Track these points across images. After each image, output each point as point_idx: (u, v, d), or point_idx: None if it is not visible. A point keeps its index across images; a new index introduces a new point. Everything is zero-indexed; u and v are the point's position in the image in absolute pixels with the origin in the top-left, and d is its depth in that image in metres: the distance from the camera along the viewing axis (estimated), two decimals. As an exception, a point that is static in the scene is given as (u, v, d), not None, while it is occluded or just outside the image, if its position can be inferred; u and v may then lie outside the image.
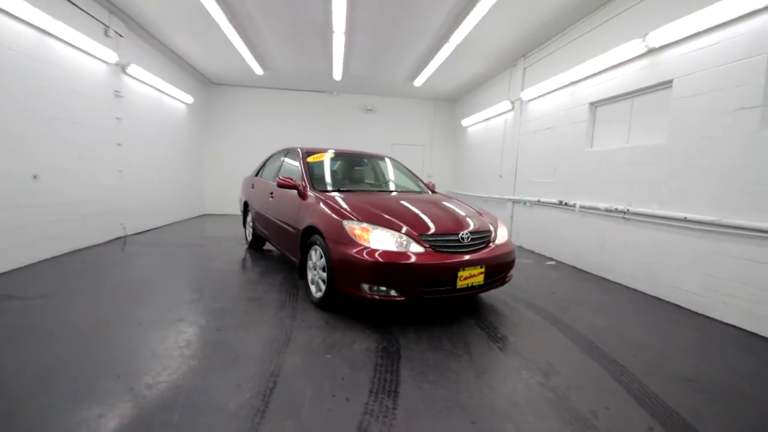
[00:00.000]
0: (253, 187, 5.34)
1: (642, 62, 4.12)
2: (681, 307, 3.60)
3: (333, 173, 4.14)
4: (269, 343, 2.48)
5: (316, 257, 3.17)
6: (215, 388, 1.93)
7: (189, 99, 8.05)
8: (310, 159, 4.09)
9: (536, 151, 6.25)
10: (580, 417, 1.86)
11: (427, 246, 2.77)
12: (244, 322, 2.82)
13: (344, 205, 3.10)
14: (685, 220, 3.53)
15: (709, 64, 3.39)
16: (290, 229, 3.71)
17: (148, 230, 6.67)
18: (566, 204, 5.31)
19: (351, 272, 2.73)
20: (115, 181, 5.62)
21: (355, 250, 2.71)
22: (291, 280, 3.98)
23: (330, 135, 9.91)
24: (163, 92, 7.07)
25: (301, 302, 3.31)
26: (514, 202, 6.85)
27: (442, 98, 10.22)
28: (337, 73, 7.86)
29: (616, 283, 4.41)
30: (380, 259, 2.62)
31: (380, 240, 2.72)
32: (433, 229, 2.88)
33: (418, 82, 8.25)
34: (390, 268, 2.62)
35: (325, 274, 3.02)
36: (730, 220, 3.14)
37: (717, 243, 3.29)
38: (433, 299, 2.88)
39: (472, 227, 3.02)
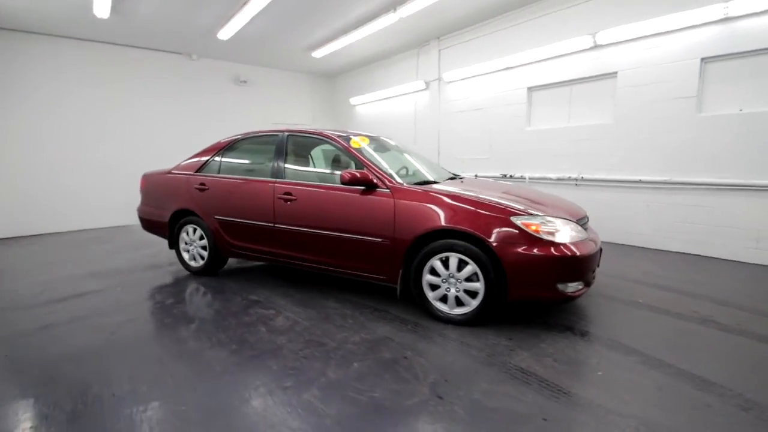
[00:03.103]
0: (204, 189, 3.68)
1: (586, 55, 5.02)
2: (636, 246, 4.82)
3: (391, 161, 3.31)
4: (528, 394, 1.94)
5: (451, 268, 2.58)
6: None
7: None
8: (354, 145, 3.16)
9: (464, 130, 6.73)
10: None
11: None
12: (443, 370, 2.07)
13: (492, 199, 2.62)
14: (640, 181, 4.68)
15: (651, 62, 4.47)
16: (369, 239, 2.83)
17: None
18: (511, 176, 6.04)
19: (542, 273, 2.39)
20: None
21: (545, 248, 2.37)
22: (351, 304, 3.08)
23: (190, 109, 7.71)
24: None
25: (433, 326, 2.65)
26: (441, 178, 7.23)
27: (320, 74, 9.44)
28: (228, 32, 6.08)
29: (571, 237, 5.43)
30: (579, 253, 2.41)
31: (565, 232, 2.47)
32: (577, 215, 2.83)
33: (320, 53, 7.34)
34: (587, 260, 2.46)
35: (475, 284, 2.53)
36: (677, 178, 4.38)
37: (664, 196, 4.54)
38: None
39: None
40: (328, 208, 3.04)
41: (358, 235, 2.89)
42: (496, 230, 2.45)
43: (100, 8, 4.98)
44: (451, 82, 6.85)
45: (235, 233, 3.55)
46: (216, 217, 3.62)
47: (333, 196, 3.03)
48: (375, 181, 2.84)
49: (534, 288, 2.44)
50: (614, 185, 4.93)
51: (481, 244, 2.49)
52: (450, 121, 6.99)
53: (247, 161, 3.76)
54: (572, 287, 2.45)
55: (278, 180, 3.31)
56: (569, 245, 2.43)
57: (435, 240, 2.64)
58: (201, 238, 3.80)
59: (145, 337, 2.58)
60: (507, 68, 5.92)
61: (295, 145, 3.47)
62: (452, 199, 2.64)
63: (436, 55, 7.00)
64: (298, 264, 3.30)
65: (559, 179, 5.46)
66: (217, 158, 3.78)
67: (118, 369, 2.15)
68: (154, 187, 4.15)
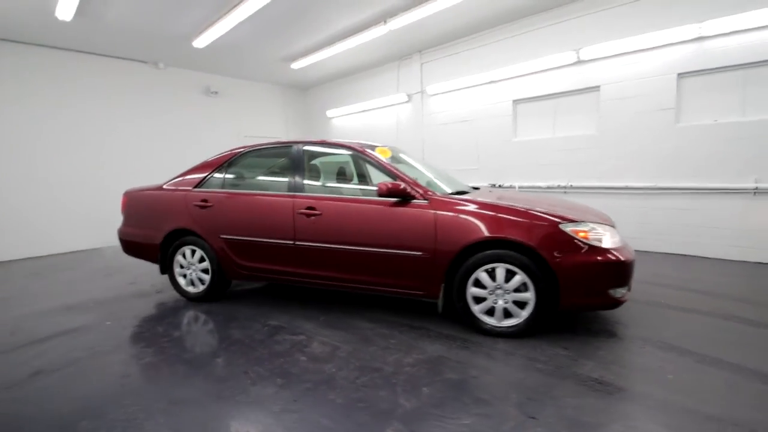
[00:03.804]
0: (206, 206, 3.34)
1: (569, 70, 5.30)
2: (625, 249, 5.07)
3: (409, 172, 3.20)
4: (616, 405, 1.90)
5: (499, 279, 2.52)
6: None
7: None
8: (382, 156, 3.04)
9: (450, 142, 6.82)
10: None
11: (618, 237, 2.78)
12: (519, 388, 1.97)
13: (537, 208, 2.59)
14: (627, 188, 4.97)
15: (631, 77, 4.81)
16: (407, 252, 2.69)
17: None
18: (500, 186, 6.18)
19: (595, 279, 2.40)
20: None
21: (595, 255, 2.39)
22: (384, 323, 2.91)
23: (156, 121, 7.15)
24: None
25: (482, 340, 2.55)
26: (427, 190, 7.25)
27: (294, 85, 9.21)
28: (205, 40, 5.72)
29: (562, 243, 5.63)
30: (625, 258, 2.44)
31: (609, 238, 2.50)
32: (610, 222, 2.89)
33: (299, 64, 7.15)
34: (632, 264, 2.51)
35: (524, 295, 2.49)
36: (662, 183, 4.70)
37: (649, 201, 4.84)
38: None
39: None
40: (359, 222, 2.87)
41: (394, 249, 2.74)
42: (546, 239, 2.43)
43: (63, 10, 4.46)
44: (434, 95, 6.93)
45: (245, 253, 3.25)
46: (222, 236, 3.29)
47: (363, 209, 2.87)
48: (412, 192, 2.73)
49: (586, 295, 2.44)
50: (602, 192, 5.20)
51: (530, 253, 2.46)
52: (435, 133, 7.05)
53: (256, 175, 3.49)
54: (620, 292, 2.49)
55: (298, 194, 3.09)
56: (614, 251, 2.46)
57: (479, 251, 2.57)
58: (201, 260, 3.44)
59: (168, 378, 2.23)
60: (491, 82, 6.11)
61: (314, 157, 3.27)
62: (495, 210, 2.59)
63: (418, 68, 7.08)
64: (322, 283, 3.07)
65: (548, 187, 5.66)
66: (218, 173, 3.46)
67: (154, 421, 1.82)
68: (141, 205, 3.71)
